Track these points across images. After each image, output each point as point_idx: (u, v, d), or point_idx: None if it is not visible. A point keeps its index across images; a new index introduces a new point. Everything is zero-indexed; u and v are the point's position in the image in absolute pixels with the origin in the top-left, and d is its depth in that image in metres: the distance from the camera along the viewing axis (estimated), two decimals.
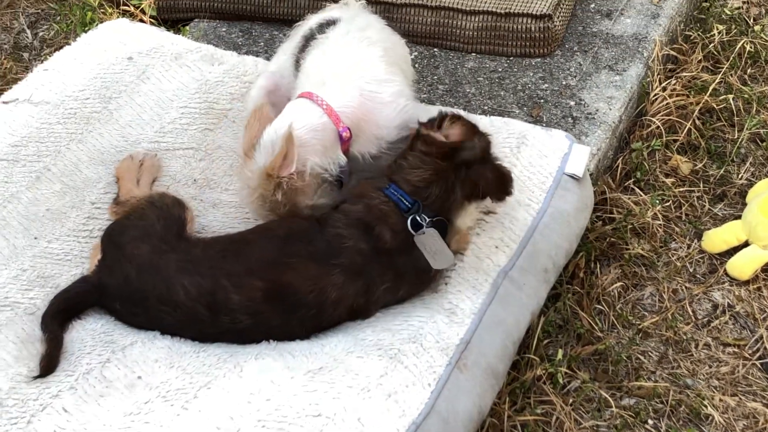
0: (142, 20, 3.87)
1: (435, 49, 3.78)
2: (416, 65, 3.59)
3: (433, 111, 2.73)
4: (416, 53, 3.71)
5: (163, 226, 2.62)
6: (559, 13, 3.70)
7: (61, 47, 3.63)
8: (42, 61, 3.67)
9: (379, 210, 2.54)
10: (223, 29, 3.94)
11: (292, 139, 2.49)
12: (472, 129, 2.63)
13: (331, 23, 2.86)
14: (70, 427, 2.28)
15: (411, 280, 2.59)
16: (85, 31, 3.58)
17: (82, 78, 3.26)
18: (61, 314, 2.54)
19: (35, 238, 2.78)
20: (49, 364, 2.41)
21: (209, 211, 2.88)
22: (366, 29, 2.84)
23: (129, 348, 2.48)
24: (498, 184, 2.63)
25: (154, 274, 2.51)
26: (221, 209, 2.89)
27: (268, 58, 3.58)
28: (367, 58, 2.74)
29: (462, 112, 2.73)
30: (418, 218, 2.52)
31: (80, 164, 3.00)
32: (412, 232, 2.51)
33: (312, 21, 2.96)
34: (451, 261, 2.57)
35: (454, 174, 2.56)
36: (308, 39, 2.87)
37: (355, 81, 2.70)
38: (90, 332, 2.54)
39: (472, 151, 2.58)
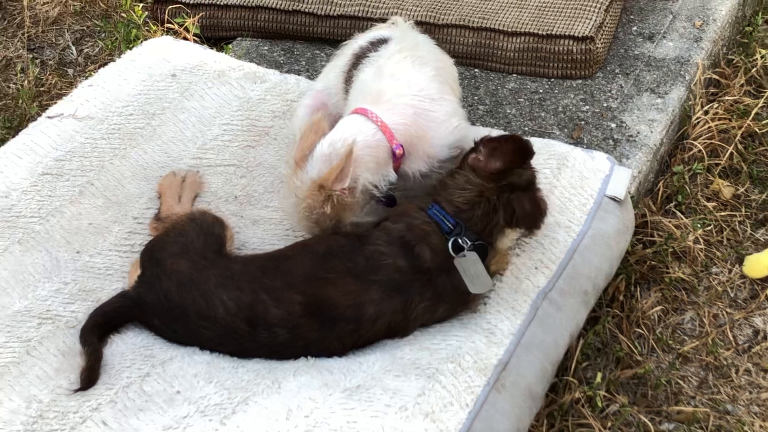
0: (185, 38, 3.90)
1: (476, 70, 3.79)
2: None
3: (482, 131, 2.74)
4: (457, 73, 3.71)
5: (203, 243, 2.63)
6: (601, 35, 3.70)
7: (105, 64, 3.67)
8: (86, 77, 3.71)
9: (420, 229, 2.54)
10: (265, 48, 3.96)
11: (352, 154, 2.49)
12: (525, 153, 2.60)
13: (382, 42, 2.86)
14: None
15: (450, 301, 2.58)
16: (130, 48, 3.62)
17: (127, 94, 3.30)
18: (99, 328, 2.56)
19: (77, 252, 2.81)
20: (89, 377, 2.43)
21: (249, 228, 2.89)
22: (417, 48, 2.84)
23: (168, 362, 2.49)
24: (532, 215, 2.61)
25: (193, 289, 2.53)
26: (261, 226, 2.90)
27: (309, 77, 3.60)
28: (420, 76, 2.74)
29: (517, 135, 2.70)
30: (459, 240, 2.52)
31: (123, 179, 3.03)
32: (453, 254, 2.51)
33: (362, 39, 2.96)
34: (490, 286, 2.57)
35: (498, 196, 2.55)
36: (359, 57, 2.87)
37: (409, 99, 2.69)
38: (130, 346, 2.55)
39: (519, 177, 2.58)
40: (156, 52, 3.50)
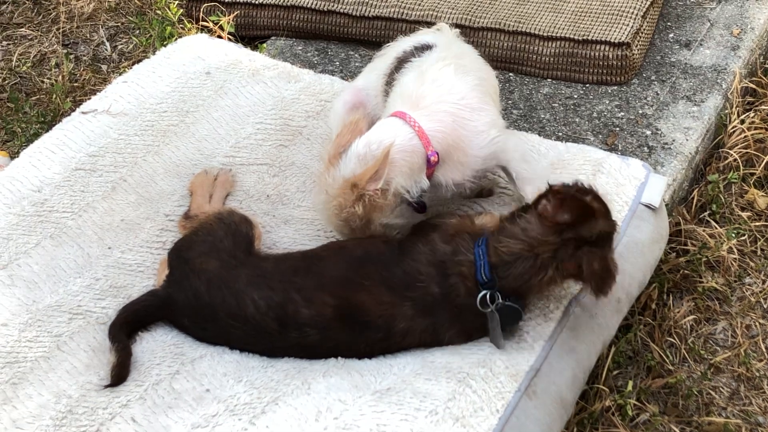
0: (220, 36, 3.91)
1: (510, 74, 3.77)
2: None
3: (525, 137, 2.74)
4: (498, 85, 3.69)
5: (232, 242, 2.63)
6: (638, 41, 3.67)
7: (139, 60, 3.68)
8: (120, 74, 3.73)
9: (461, 264, 2.47)
10: (300, 47, 3.96)
11: (388, 156, 2.48)
12: (600, 208, 2.48)
13: (426, 47, 2.83)
14: None
15: (479, 330, 2.52)
16: (164, 46, 3.63)
17: (161, 91, 3.30)
18: (129, 326, 2.56)
19: (109, 248, 2.81)
20: (119, 374, 2.43)
21: (281, 227, 2.89)
22: (462, 57, 2.82)
23: (198, 361, 2.49)
24: (599, 277, 2.45)
25: (224, 288, 2.52)
26: (293, 225, 2.89)
27: (343, 78, 3.60)
28: (462, 84, 2.71)
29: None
30: (487, 296, 2.44)
31: (156, 176, 3.03)
32: (479, 307, 2.45)
33: (406, 43, 2.93)
34: (501, 347, 2.49)
35: (553, 254, 2.43)
36: (402, 60, 2.84)
37: (448, 106, 2.66)
38: (160, 344, 2.55)
39: (590, 230, 2.44)
40: (190, 49, 3.50)
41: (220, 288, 2.52)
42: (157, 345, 2.55)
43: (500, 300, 2.43)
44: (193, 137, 3.16)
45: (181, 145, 3.13)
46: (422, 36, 2.96)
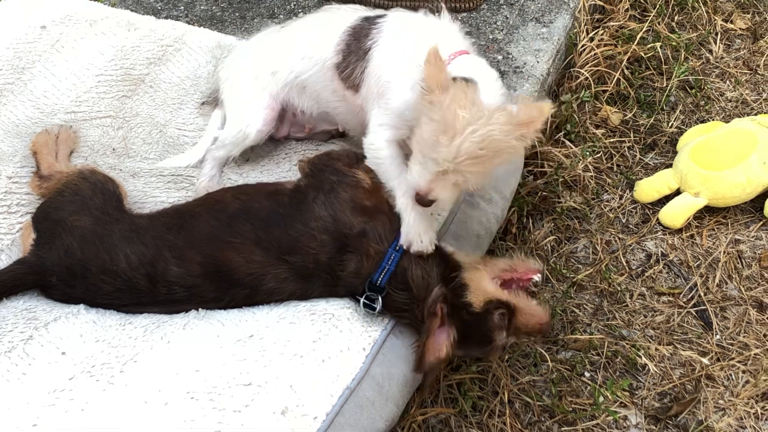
0: None
1: (359, 6, 3.69)
2: None
3: None
4: None
5: (102, 200, 2.56)
6: None
7: None
8: None
9: (370, 250, 2.40)
10: None
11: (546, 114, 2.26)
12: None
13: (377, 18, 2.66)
14: None
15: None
16: None
17: None
18: None
19: None
20: None
21: (129, 181, 2.80)
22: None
23: (52, 324, 2.41)
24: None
25: (97, 243, 2.46)
26: (141, 178, 2.81)
27: (189, 22, 3.50)
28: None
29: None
30: (370, 301, 2.39)
31: None
32: (357, 297, 2.40)
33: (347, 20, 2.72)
34: None
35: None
36: (359, 32, 2.64)
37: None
38: (11, 309, 2.46)
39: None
40: (24, 3, 3.35)
41: (94, 243, 2.46)
42: (8, 311, 2.46)
43: (380, 306, 2.38)
44: (31, 95, 3.04)
45: (19, 103, 3.01)
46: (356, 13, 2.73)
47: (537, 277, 2.45)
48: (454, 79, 2.24)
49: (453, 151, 2.18)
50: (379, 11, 2.67)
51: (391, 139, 2.46)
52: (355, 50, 2.57)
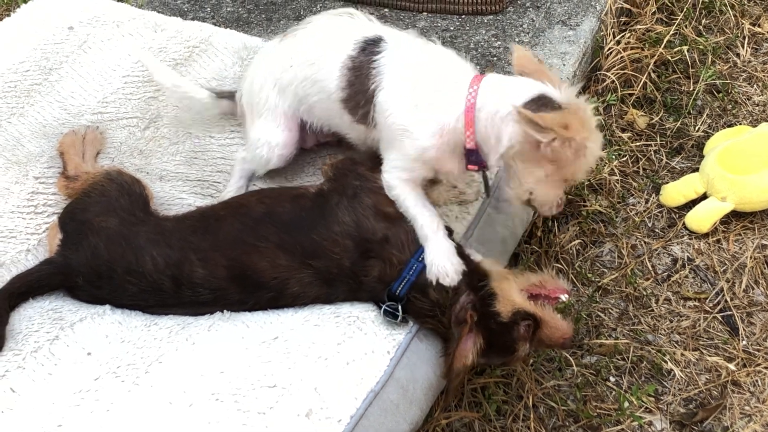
0: None
1: (385, 10, 3.72)
2: None
3: None
4: None
5: (129, 201, 2.57)
6: None
7: (0, 20, 3.53)
8: None
9: (392, 258, 2.39)
10: None
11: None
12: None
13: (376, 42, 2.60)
14: (18, 408, 2.22)
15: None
16: (26, 2, 3.49)
17: (21, 50, 3.17)
18: (17, 297, 2.48)
19: None
20: None
21: (156, 183, 2.81)
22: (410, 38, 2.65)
23: (78, 324, 2.42)
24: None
25: (124, 244, 2.47)
26: (168, 181, 2.82)
27: (215, 24, 3.51)
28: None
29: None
30: (391, 309, 2.37)
31: (22, 138, 2.92)
32: (381, 306, 2.38)
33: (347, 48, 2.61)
34: None
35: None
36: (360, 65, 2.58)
37: None
38: (38, 310, 2.47)
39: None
40: (52, 4, 3.38)
41: (120, 244, 2.47)
42: (34, 311, 2.47)
43: (401, 314, 2.36)
44: (58, 95, 3.06)
45: (47, 104, 3.03)
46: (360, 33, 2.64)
47: (564, 297, 2.43)
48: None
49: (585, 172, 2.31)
50: (372, 33, 2.57)
51: (407, 179, 2.44)
52: (360, 90, 2.50)
